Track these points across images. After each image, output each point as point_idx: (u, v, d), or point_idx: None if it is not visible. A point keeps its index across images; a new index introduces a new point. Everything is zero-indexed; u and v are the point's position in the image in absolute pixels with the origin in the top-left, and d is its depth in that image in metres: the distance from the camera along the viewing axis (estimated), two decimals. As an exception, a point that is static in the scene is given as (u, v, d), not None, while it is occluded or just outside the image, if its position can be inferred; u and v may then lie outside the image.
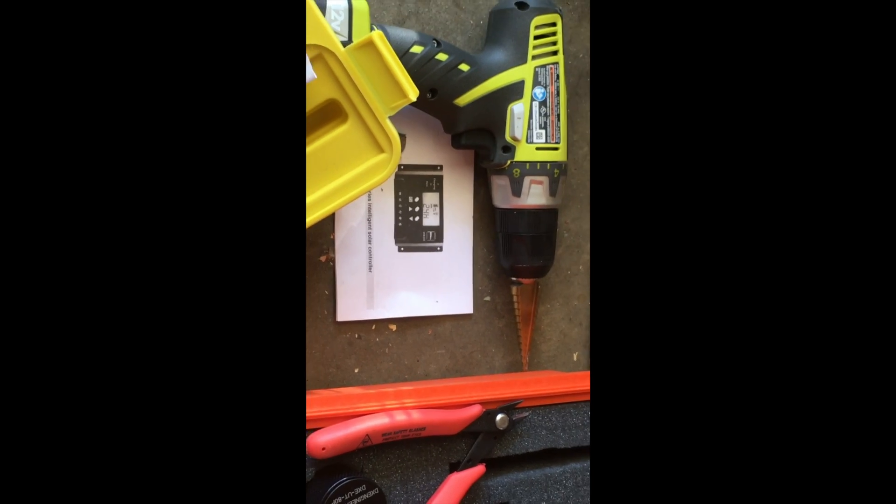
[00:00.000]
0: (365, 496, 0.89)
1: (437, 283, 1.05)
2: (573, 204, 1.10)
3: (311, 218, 0.86)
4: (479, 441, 0.97)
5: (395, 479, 0.94)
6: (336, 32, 0.85)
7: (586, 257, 1.12)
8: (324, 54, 0.82)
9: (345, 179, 0.86)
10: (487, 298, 1.08)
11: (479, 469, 0.96)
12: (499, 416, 0.97)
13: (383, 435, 0.90)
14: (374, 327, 1.02)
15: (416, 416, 0.92)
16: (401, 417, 0.91)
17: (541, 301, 1.11)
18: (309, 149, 0.86)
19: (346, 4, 0.88)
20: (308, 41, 0.82)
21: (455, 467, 0.97)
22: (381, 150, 0.85)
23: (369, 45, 0.83)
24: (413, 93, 0.84)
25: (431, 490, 0.96)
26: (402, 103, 0.85)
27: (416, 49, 0.92)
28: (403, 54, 0.91)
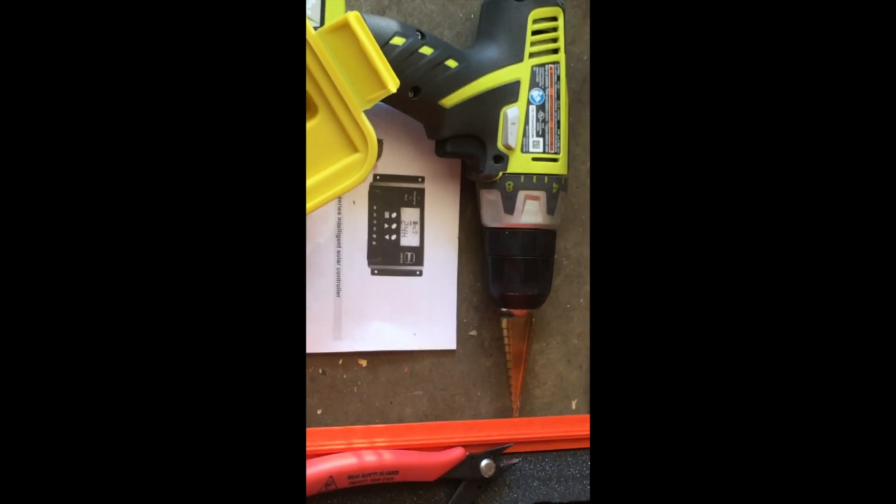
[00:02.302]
0: (328, 550, 0.90)
1: (416, 313, 1.03)
2: (574, 227, 1.09)
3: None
4: (461, 490, 0.98)
5: (364, 531, 0.94)
6: (307, 18, 0.86)
7: (588, 289, 1.11)
8: (294, 39, 0.82)
9: (313, 182, 0.85)
10: (473, 333, 1.06)
11: (462, 526, 0.96)
12: (484, 462, 0.97)
13: (350, 478, 0.91)
14: (340, 362, 1.00)
15: (389, 458, 0.93)
16: (370, 458, 0.92)
17: (535, 338, 1.08)
18: (272, 147, 0.86)
19: (320, -12, 0.88)
20: (273, 21, 0.82)
21: (433, 521, 0.94)
22: (356, 150, 0.83)
23: (344, 27, 0.81)
24: (393, 83, 0.82)
25: (403, 547, 0.97)
26: (381, 95, 0.83)
27: (397, 41, 0.90)
28: (383, 46, 0.89)
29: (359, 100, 0.83)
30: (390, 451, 0.94)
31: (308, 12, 0.89)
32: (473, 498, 0.99)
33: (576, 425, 1.06)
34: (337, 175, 0.84)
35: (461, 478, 0.98)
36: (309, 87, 0.84)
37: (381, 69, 0.82)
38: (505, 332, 1.04)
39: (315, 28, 0.84)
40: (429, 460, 0.96)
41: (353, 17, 0.81)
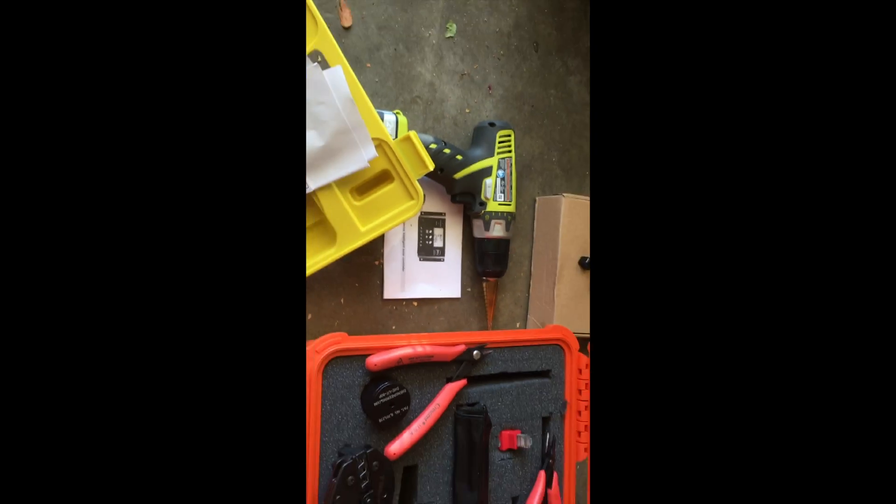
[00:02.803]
0: (398, 393, 1.21)
1: (441, 279, 1.39)
2: (518, 237, 1.48)
3: (371, 237, 1.13)
4: (463, 366, 1.30)
5: (415, 385, 1.26)
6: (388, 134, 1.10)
7: (525, 269, 1.49)
8: (381, 143, 1.11)
9: (390, 215, 1.14)
10: (469, 289, 1.44)
11: (463, 382, 1.29)
12: (475, 352, 1.31)
13: (410, 359, 1.21)
14: (404, 303, 1.37)
15: (428, 349, 1.23)
16: (419, 349, 1.22)
17: (499, 292, 1.47)
18: (371, 197, 1.13)
19: (394, 118, 1.23)
20: (372, 135, 1.08)
21: (449, 380, 1.29)
22: (412, 198, 1.14)
23: (407, 139, 1.13)
24: (431, 166, 1.14)
25: (434, 392, 1.28)
26: (424, 171, 1.15)
27: (433, 146, 1.27)
28: (426, 148, 1.24)
29: (413, 174, 1.13)
30: (429, 345, 1.23)
31: (388, 129, 1.18)
32: (470, 370, 1.30)
33: (520, 335, 1.37)
34: (402, 212, 1.15)
35: (463, 360, 1.29)
36: (389, 168, 1.12)
37: (425, 159, 1.13)
38: (484, 290, 1.44)
39: (393, 139, 1.13)
40: (448, 351, 1.25)
41: (413, 134, 1.12)
